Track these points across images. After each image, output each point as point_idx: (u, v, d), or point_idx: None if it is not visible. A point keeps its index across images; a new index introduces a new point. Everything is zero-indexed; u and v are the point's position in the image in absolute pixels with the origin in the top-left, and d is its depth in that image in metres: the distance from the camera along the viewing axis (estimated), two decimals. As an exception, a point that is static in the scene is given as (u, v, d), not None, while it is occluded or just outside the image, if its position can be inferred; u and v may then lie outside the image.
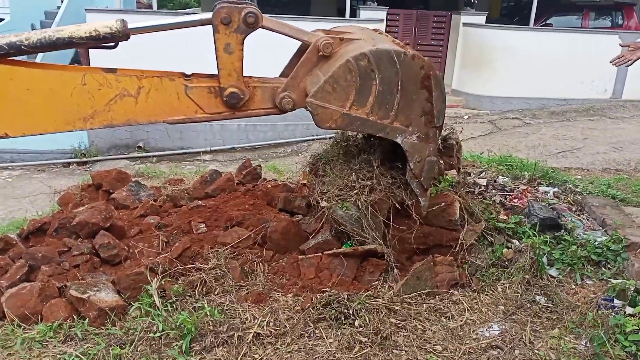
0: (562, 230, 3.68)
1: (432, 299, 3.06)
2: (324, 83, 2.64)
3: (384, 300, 2.93)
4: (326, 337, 2.69)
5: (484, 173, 4.76)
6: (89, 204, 3.80)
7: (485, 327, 2.88)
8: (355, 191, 3.03)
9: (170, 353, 2.54)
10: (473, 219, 3.41)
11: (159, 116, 2.66)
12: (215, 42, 2.57)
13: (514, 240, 3.50)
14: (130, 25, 2.47)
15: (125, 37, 2.47)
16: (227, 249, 3.30)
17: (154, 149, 10.52)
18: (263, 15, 2.60)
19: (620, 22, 14.98)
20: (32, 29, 7.74)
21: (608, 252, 3.47)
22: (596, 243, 3.54)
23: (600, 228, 3.83)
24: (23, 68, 2.46)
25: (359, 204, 3.00)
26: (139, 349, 2.57)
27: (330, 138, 3.60)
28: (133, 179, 4.52)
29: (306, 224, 3.60)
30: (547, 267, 3.34)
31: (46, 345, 2.63)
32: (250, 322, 2.77)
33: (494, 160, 5.12)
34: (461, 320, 2.91)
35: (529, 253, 3.25)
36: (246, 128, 10.82)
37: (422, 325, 2.84)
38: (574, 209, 4.16)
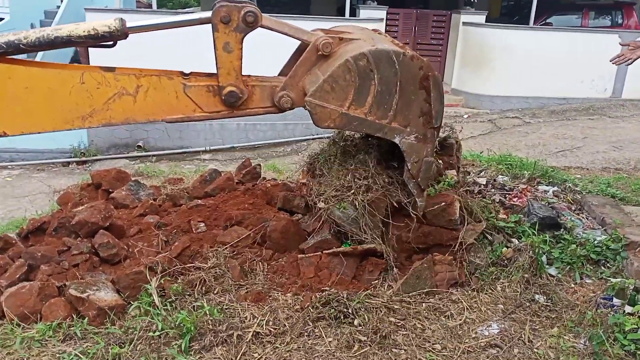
0: (562, 229, 3.68)
1: (432, 298, 3.06)
2: (323, 82, 2.64)
3: (383, 299, 2.94)
4: (325, 336, 2.69)
5: (483, 172, 4.76)
6: (89, 203, 3.80)
7: (485, 326, 2.88)
8: (352, 191, 3.04)
9: (169, 352, 2.54)
10: (473, 218, 3.42)
11: (158, 115, 2.66)
12: (214, 41, 2.57)
13: (513, 239, 3.50)
14: (128, 24, 2.47)
15: (124, 36, 2.47)
16: (226, 248, 3.29)
17: (153, 148, 10.52)
18: (262, 14, 2.60)
19: (620, 21, 14.99)
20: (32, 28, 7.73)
21: (607, 251, 3.48)
22: (595, 242, 3.54)
23: (600, 227, 3.83)
24: (22, 67, 2.46)
25: (356, 204, 3.01)
26: (138, 348, 2.57)
27: (327, 138, 3.60)
28: (132, 178, 4.52)
29: (306, 223, 3.60)
30: (547, 266, 3.34)
31: (45, 344, 2.63)
32: (249, 321, 2.77)
33: (493, 160, 5.12)
34: (460, 319, 2.91)
35: (529, 252, 3.26)
36: (246, 127, 10.82)
37: (422, 324, 2.84)
38: (573, 208, 4.16)
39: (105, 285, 2.92)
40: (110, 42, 2.56)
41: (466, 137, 9.35)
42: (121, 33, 2.45)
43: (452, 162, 3.65)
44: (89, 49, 2.79)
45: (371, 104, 2.74)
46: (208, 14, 2.55)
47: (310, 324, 2.75)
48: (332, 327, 2.73)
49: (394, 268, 3.16)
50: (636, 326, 2.64)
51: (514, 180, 4.56)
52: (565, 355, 2.66)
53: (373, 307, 2.85)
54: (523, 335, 2.81)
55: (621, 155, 8.52)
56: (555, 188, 4.47)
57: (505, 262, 3.31)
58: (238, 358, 2.55)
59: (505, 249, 3.37)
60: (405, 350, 2.65)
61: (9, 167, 9.57)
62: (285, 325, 2.75)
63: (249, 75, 2.72)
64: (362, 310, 2.80)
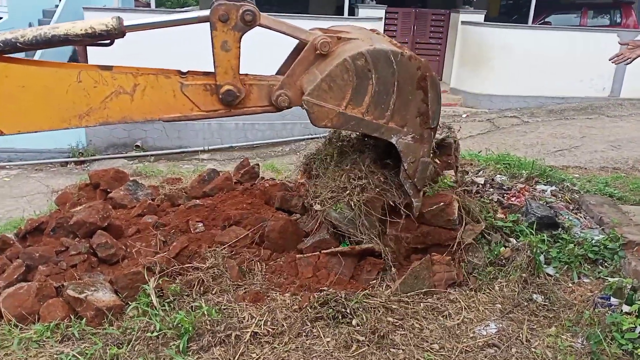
0: (560, 229, 3.69)
1: (430, 297, 3.06)
2: (321, 81, 2.64)
3: (381, 299, 2.94)
4: (323, 336, 2.69)
5: (481, 172, 4.76)
6: (87, 204, 3.80)
7: (483, 325, 2.88)
8: (347, 192, 3.04)
9: (167, 352, 2.54)
10: (471, 218, 3.42)
11: (155, 114, 2.66)
12: (212, 40, 2.57)
13: (511, 239, 3.51)
14: (126, 23, 2.47)
15: (121, 34, 2.47)
16: (224, 248, 3.29)
17: (152, 148, 10.51)
18: (261, 13, 2.60)
19: (618, 20, 15.00)
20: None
21: (605, 251, 3.48)
22: (593, 241, 3.55)
23: (598, 226, 3.83)
24: (18, 65, 2.46)
25: (352, 205, 3.01)
26: (136, 349, 2.57)
27: (325, 137, 3.60)
28: (131, 178, 4.52)
29: (304, 222, 3.60)
30: (544, 266, 3.34)
31: (43, 345, 2.63)
32: (247, 321, 2.77)
33: (491, 159, 5.13)
34: (458, 319, 2.91)
35: (526, 251, 3.26)
36: (244, 127, 10.82)
37: (420, 324, 2.84)
38: (571, 208, 4.17)
39: (103, 286, 2.92)
40: (108, 41, 2.56)
41: (464, 136, 9.36)
42: (118, 32, 2.45)
43: (451, 162, 3.65)
44: (87, 47, 2.79)
45: (368, 104, 2.74)
46: (206, 12, 2.55)
47: (309, 324, 2.75)
48: (330, 327, 2.73)
49: (392, 268, 3.16)
50: (633, 325, 2.64)
51: (512, 180, 4.56)
52: (563, 354, 2.66)
53: (371, 307, 2.85)
54: (521, 335, 2.81)
55: (619, 154, 8.53)
56: (553, 187, 4.47)
57: (503, 261, 3.31)
58: (236, 358, 2.55)
59: (503, 248, 3.37)
60: (403, 350, 2.65)
61: (7, 167, 9.55)
62: (283, 325, 2.75)
63: (246, 74, 2.72)
64: (360, 310, 2.80)
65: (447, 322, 2.88)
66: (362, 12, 12.17)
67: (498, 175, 4.63)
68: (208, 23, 2.55)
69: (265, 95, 2.77)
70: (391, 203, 3.11)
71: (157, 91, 2.62)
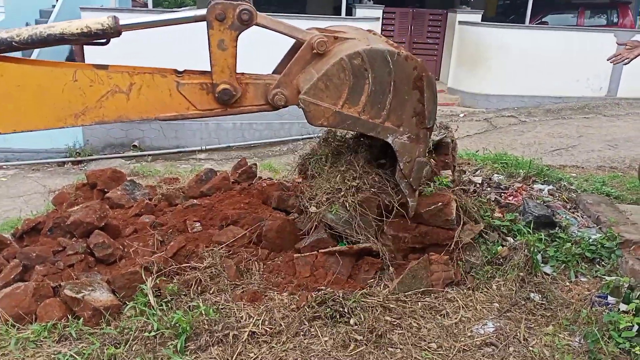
0: (557, 228, 3.70)
1: (427, 297, 3.06)
2: (317, 80, 2.64)
3: (379, 298, 2.94)
4: (321, 335, 2.69)
5: (479, 171, 4.77)
6: (84, 203, 3.79)
7: (480, 324, 2.89)
8: (342, 193, 3.04)
9: (165, 352, 2.54)
10: (468, 217, 3.42)
11: (151, 113, 2.66)
12: (209, 38, 2.57)
13: (508, 238, 3.51)
14: (122, 22, 2.47)
15: (117, 33, 2.46)
16: (222, 247, 3.29)
17: (149, 148, 10.50)
18: (257, 12, 2.60)
19: (615, 20, 15.05)
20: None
21: (602, 250, 3.49)
22: (590, 240, 3.56)
23: (595, 225, 3.84)
24: (14, 64, 2.45)
25: (347, 205, 3.02)
26: (133, 349, 2.56)
27: (319, 137, 3.60)
28: (128, 178, 4.51)
29: (301, 222, 3.59)
30: (542, 265, 3.35)
31: (40, 345, 2.62)
32: (245, 320, 2.77)
33: (489, 158, 5.14)
34: (456, 318, 2.91)
35: (524, 250, 3.27)
36: (242, 126, 10.81)
37: (417, 323, 2.84)
38: (568, 207, 4.18)
39: (101, 286, 2.91)
40: (104, 40, 2.55)
41: (462, 136, 9.38)
42: (114, 31, 2.44)
43: (448, 161, 3.66)
44: (84, 47, 2.79)
45: (365, 103, 2.74)
46: (203, 11, 2.55)
47: (306, 323, 2.75)
48: (328, 327, 2.73)
49: (390, 267, 3.16)
50: (631, 324, 2.65)
51: (509, 179, 4.57)
52: (560, 353, 2.67)
53: (369, 306, 2.85)
54: (518, 334, 2.81)
55: (616, 153, 8.55)
56: (551, 187, 4.48)
57: (501, 260, 3.32)
58: (234, 358, 2.54)
59: (500, 247, 3.38)
60: (401, 349, 2.65)
61: (4, 167, 9.52)
62: (281, 324, 2.75)
63: (242, 73, 2.72)
64: (358, 309, 2.80)
65: (444, 321, 2.89)
66: (360, 12, 12.17)
67: (495, 175, 4.64)
68: (204, 22, 2.55)
69: (261, 94, 2.77)
70: (387, 202, 3.11)
71: (153, 90, 2.62)
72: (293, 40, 2.87)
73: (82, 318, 2.74)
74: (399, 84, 2.74)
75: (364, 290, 3.00)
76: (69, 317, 2.78)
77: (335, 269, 3.12)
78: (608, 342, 2.65)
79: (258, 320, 2.76)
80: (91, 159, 10.01)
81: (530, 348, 2.71)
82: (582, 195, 4.36)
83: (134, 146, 10.42)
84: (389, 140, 2.86)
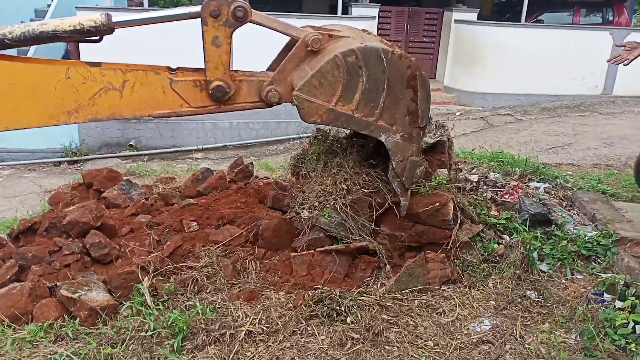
0: (553, 226, 3.70)
1: (424, 295, 3.07)
2: (311, 77, 2.64)
3: (375, 296, 2.94)
4: (318, 334, 2.69)
5: (475, 169, 4.78)
6: (80, 203, 3.78)
7: (477, 322, 2.90)
8: (333, 196, 3.05)
9: (162, 352, 2.54)
10: (464, 216, 3.42)
11: (144, 110, 2.65)
12: (203, 35, 2.57)
13: (504, 236, 3.52)
14: (115, 19, 2.46)
15: (110, 30, 2.46)
16: (218, 247, 3.29)
17: (145, 147, 10.47)
18: (252, 10, 2.60)
19: (610, 18, 15.09)
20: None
21: (598, 247, 3.50)
22: (586, 238, 3.57)
23: (591, 223, 3.85)
24: (6, 62, 2.44)
25: (338, 208, 3.02)
26: (130, 348, 2.56)
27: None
28: (124, 178, 4.50)
29: (298, 221, 3.59)
30: (538, 262, 3.36)
31: (37, 345, 2.62)
32: (242, 320, 2.77)
33: (485, 157, 5.15)
34: (452, 316, 2.92)
35: (520, 248, 3.28)
36: (238, 126, 10.80)
37: (414, 321, 2.85)
38: (564, 205, 4.19)
39: (97, 286, 2.90)
40: (97, 37, 2.54)
41: (458, 134, 9.39)
42: (107, 28, 2.43)
43: (444, 160, 3.66)
44: (79, 45, 2.78)
45: (358, 101, 2.74)
46: (197, 8, 2.55)
47: (303, 322, 2.75)
48: (325, 325, 2.74)
49: (387, 266, 3.16)
50: (626, 321, 2.66)
51: (505, 177, 4.58)
52: (556, 350, 2.68)
53: (366, 305, 2.85)
54: (515, 331, 2.82)
55: (612, 151, 8.58)
56: (547, 185, 4.49)
57: (497, 258, 3.33)
58: (231, 357, 2.54)
59: (496, 245, 3.38)
60: (397, 347, 2.66)
61: (0, 167, 9.49)
62: (278, 323, 2.75)
63: (236, 71, 2.72)
64: (355, 308, 2.80)
65: (441, 319, 2.89)
66: (356, 10, 12.17)
67: (491, 173, 4.65)
68: (199, 19, 2.54)
69: (255, 91, 2.77)
70: (380, 200, 3.12)
71: (147, 87, 2.61)
72: (287, 38, 2.87)
73: (78, 318, 2.74)
74: (392, 83, 2.75)
75: (361, 288, 3.00)
76: (65, 317, 2.77)
77: (332, 267, 3.12)
78: (604, 339, 2.66)
79: (255, 319, 2.76)
80: (87, 158, 9.98)
81: (527, 345, 2.72)
82: (578, 193, 4.37)
83: (130, 146, 10.39)
84: (382, 138, 2.86)
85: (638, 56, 3.75)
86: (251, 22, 2.61)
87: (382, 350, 2.62)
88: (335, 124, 2.83)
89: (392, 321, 2.82)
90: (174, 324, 2.62)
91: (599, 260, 3.46)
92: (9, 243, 3.51)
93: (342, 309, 2.78)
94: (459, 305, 3.01)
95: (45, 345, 2.61)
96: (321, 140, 3.41)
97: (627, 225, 3.71)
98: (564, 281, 3.29)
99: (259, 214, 3.63)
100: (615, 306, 2.82)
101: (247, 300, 2.92)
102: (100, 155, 10.14)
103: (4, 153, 9.71)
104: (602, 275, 3.23)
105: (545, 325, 2.88)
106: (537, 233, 3.50)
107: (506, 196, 4.12)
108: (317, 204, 3.09)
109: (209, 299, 2.92)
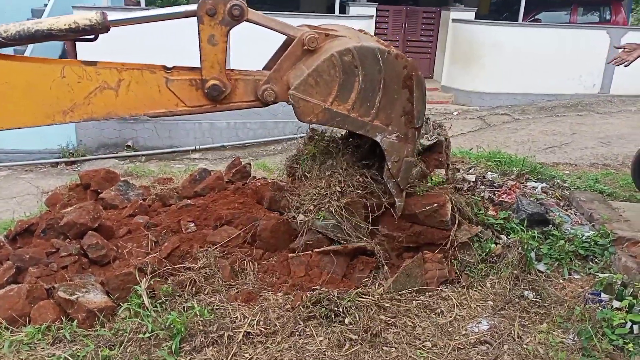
0: (550, 226, 3.71)
1: (422, 295, 3.07)
2: (307, 76, 2.64)
3: (373, 297, 2.94)
4: (316, 335, 2.69)
5: (472, 169, 4.79)
6: (77, 204, 3.78)
7: (475, 322, 2.90)
8: (327, 199, 3.04)
9: (160, 354, 2.53)
10: (461, 216, 3.42)
11: (140, 109, 2.65)
12: (199, 34, 2.56)
13: (502, 236, 3.53)
14: (110, 17, 2.45)
15: (105, 29, 2.45)
16: (216, 248, 3.28)
17: (143, 148, 10.45)
18: (249, 8, 2.59)
19: (608, 17, 15.11)
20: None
21: (595, 247, 3.51)
22: (584, 238, 3.57)
23: (588, 223, 3.86)
24: (1, 61, 2.43)
25: (332, 211, 3.02)
26: (128, 350, 2.55)
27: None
28: (122, 179, 4.49)
29: (295, 222, 3.59)
30: (535, 262, 3.36)
31: (34, 347, 2.61)
32: (240, 321, 2.76)
33: (482, 156, 5.16)
34: (450, 317, 2.92)
35: (517, 248, 3.28)
36: (236, 126, 10.78)
37: (412, 322, 2.85)
38: (561, 204, 4.19)
39: (95, 287, 2.90)
40: (92, 36, 2.54)
41: (456, 134, 9.39)
42: (102, 26, 2.43)
43: (442, 160, 3.66)
44: (77, 44, 2.77)
45: (354, 101, 2.74)
46: (193, 6, 2.54)
47: (301, 323, 2.75)
48: (323, 326, 2.73)
49: (385, 266, 3.16)
50: (624, 321, 2.66)
51: (503, 177, 4.59)
52: (554, 350, 2.68)
53: (364, 306, 2.85)
54: (512, 332, 2.82)
55: (609, 151, 8.59)
56: (544, 184, 4.50)
57: (495, 258, 3.33)
58: (229, 358, 2.54)
59: (494, 245, 3.39)
60: (395, 348, 2.66)
61: (-3, 168, 9.47)
62: (276, 324, 2.75)
63: (232, 70, 2.72)
64: (353, 308, 2.80)
65: (439, 319, 2.89)
66: (353, 10, 12.17)
67: (489, 173, 4.66)
68: (195, 17, 2.54)
69: (251, 90, 2.76)
70: (375, 201, 3.11)
71: (142, 86, 2.61)
72: (284, 37, 2.86)
73: (76, 320, 2.73)
74: (388, 83, 2.74)
75: (359, 289, 3.00)
76: (63, 319, 2.76)
77: (330, 268, 3.12)
78: (601, 339, 2.67)
79: (253, 320, 2.76)
80: (84, 159, 9.96)
81: (525, 346, 2.72)
82: (576, 192, 4.38)
83: (128, 146, 10.37)
84: (378, 139, 2.86)
85: (638, 57, 3.76)
86: (247, 20, 2.60)
87: (380, 351, 2.62)
88: (331, 123, 2.82)
89: (390, 322, 2.82)
90: (171, 326, 2.62)
91: (596, 260, 3.47)
92: (6, 245, 3.50)
93: (340, 309, 2.77)
94: (457, 305, 3.01)
95: (43, 348, 2.60)
96: (316, 141, 3.40)
97: (624, 224, 3.72)
98: (561, 281, 3.30)
99: (257, 214, 3.63)
100: (612, 306, 2.82)
101: (245, 302, 2.92)
102: (97, 156, 10.12)
103: (1, 154, 9.68)
104: (600, 275, 3.23)
105: (543, 326, 2.88)
106: (534, 233, 3.50)
107: (504, 196, 4.13)
108: (312, 207, 3.08)
109: (206, 300, 2.92)
